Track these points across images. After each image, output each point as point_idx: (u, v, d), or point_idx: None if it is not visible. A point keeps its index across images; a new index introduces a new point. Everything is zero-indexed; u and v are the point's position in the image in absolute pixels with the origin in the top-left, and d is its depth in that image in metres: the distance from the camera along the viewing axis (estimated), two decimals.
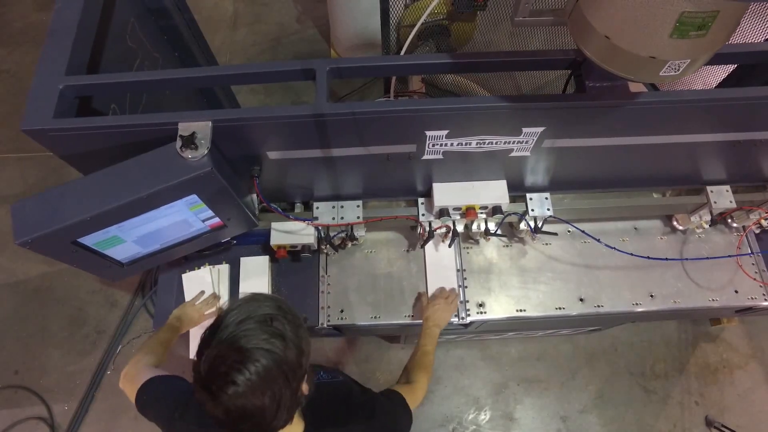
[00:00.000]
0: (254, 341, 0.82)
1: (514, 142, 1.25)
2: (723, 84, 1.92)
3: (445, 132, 1.17)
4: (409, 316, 1.62)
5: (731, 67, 1.79)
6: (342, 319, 1.60)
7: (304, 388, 0.90)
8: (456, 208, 1.48)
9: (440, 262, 1.67)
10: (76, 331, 2.69)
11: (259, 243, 1.68)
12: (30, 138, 1.10)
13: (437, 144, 1.23)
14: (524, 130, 1.19)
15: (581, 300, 1.64)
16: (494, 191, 1.45)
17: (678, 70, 0.87)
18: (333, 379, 1.17)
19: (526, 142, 1.25)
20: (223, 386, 0.79)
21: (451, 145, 1.23)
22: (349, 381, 1.21)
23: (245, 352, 0.80)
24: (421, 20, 1.87)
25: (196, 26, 1.87)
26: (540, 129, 1.18)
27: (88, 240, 1.14)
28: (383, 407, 1.12)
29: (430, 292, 1.63)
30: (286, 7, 3.63)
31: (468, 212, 1.46)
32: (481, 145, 1.25)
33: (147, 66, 1.62)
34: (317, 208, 1.52)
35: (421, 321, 1.53)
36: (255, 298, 0.89)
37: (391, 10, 2.01)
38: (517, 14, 0.99)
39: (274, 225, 1.51)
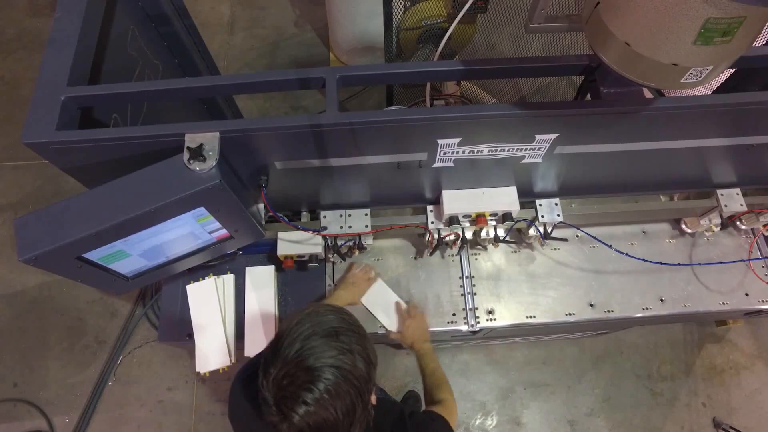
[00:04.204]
0: (322, 359, 0.80)
1: (526, 149, 1.23)
2: (720, 89, 1.91)
3: (457, 140, 1.15)
4: None
5: (729, 71, 1.78)
6: None
7: (372, 399, 0.89)
8: (466, 216, 1.46)
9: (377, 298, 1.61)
10: (75, 341, 2.64)
11: (265, 252, 1.65)
12: (32, 150, 1.07)
13: (449, 152, 1.21)
14: (537, 137, 1.17)
15: (591, 305, 1.62)
16: (505, 198, 1.43)
17: (700, 76, 0.85)
18: (382, 396, 1.16)
19: (539, 149, 1.23)
20: (294, 406, 0.78)
21: (463, 152, 1.21)
22: (395, 400, 1.20)
23: (314, 371, 0.79)
24: (448, 33, 1.83)
25: (196, 32, 1.84)
26: (553, 136, 1.17)
27: (93, 255, 1.11)
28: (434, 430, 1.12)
29: (378, 315, 1.58)
30: (283, 11, 3.60)
31: (478, 219, 1.44)
32: (493, 153, 1.23)
33: (147, 74, 1.59)
34: (324, 217, 1.50)
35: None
36: (316, 311, 0.87)
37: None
38: (532, 20, 0.97)
39: (281, 235, 1.49)
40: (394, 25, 2.14)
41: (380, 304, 1.59)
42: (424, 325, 1.50)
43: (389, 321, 1.56)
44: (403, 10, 2.18)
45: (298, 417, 0.78)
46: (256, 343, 1.53)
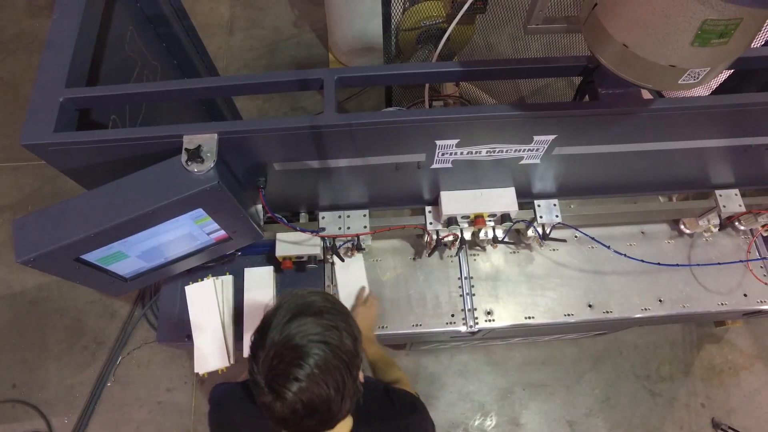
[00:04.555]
0: (309, 335, 0.81)
1: (524, 150, 1.23)
2: (719, 89, 1.91)
3: (455, 141, 1.15)
4: (416, 325, 1.59)
5: (727, 72, 1.78)
6: None
7: (360, 375, 0.90)
8: (464, 217, 1.46)
9: (349, 276, 1.64)
10: (74, 342, 2.64)
11: (263, 253, 1.65)
12: (30, 152, 1.07)
13: (447, 153, 1.21)
14: (535, 138, 1.17)
15: (590, 306, 1.62)
16: (503, 199, 1.44)
17: (697, 78, 0.85)
18: (366, 377, 1.18)
19: (537, 150, 1.23)
20: (286, 384, 0.78)
21: (461, 154, 1.21)
22: (376, 379, 1.22)
23: (302, 348, 0.80)
24: (447, 34, 1.80)
25: (195, 33, 1.84)
26: (551, 137, 1.17)
27: (91, 256, 1.11)
28: (419, 403, 1.15)
29: (340, 287, 1.62)
30: (282, 11, 3.61)
31: (476, 220, 1.44)
32: (491, 154, 1.23)
33: (146, 74, 1.59)
34: (323, 218, 1.49)
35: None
36: (299, 294, 0.89)
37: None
38: (530, 21, 0.97)
39: (280, 236, 1.49)
40: (393, 26, 2.13)
41: (348, 280, 1.61)
42: (372, 317, 1.51)
43: (347, 301, 1.58)
44: (402, 10, 2.18)
45: (291, 394, 0.78)
46: None
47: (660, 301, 1.63)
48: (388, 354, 1.43)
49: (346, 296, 1.60)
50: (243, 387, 1.11)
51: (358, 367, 0.87)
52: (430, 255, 1.66)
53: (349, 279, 1.63)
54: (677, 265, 1.63)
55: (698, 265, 1.66)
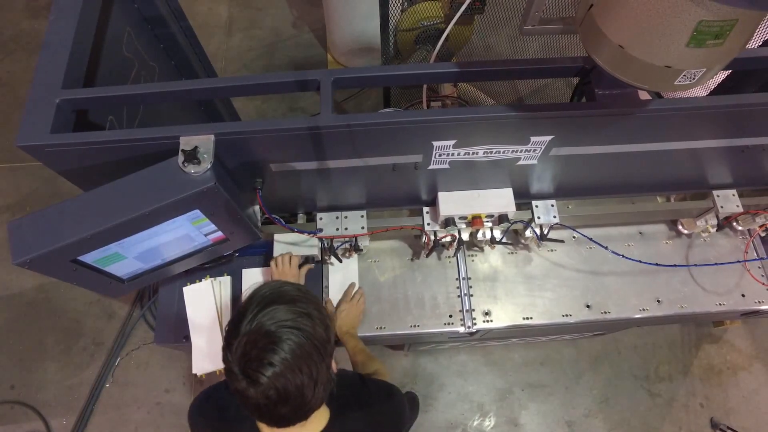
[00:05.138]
0: (282, 322, 0.82)
1: (521, 151, 1.23)
2: (717, 89, 1.91)
3: (452, 142, 1.15)
4: (414, 325, 1.59)
5: (725, 73, 1.79)
6: None
7: (333, 365, 0.91)
8: (462, 217, 1.45)
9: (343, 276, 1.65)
10: (73, 343, 2.64)
11: (261, 254, 1.65)
12: (27, 153, 1.07)
13: (444, 154, 1.21)
14: (532, 139, 1.17)
15: (588, 306, 1.62)
16: (501, 200, 1.44)
17: (693, 78, 0.85)
18: (341, 370, 1.19)
19: (534, 151, 1.23)
20: (260, 369, 0.78)
21: (458, 154, 1.21)
22: (353, 371, 1.24)
23: (275, 334, 0.80)
24: (445, 34, 1.80)
25: (193, 34, 1.84)
26: (548, 138, 1.17)
27: (88, 258, 1.11)
28: (396, 389, 1.16)
29: (331, 284, 1.63)
30: (281, 12, 3.61)
31: (474, 221, 1.44)
32: (488, 155, 1.23)
33: (144, 76, 1.59)
34: (320, 219, 1.49)
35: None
36: (271, 284, 0.90)
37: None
38: (526, 23, 0.97)
39: (277, 237, 1.49)
40: (391, 27, 2.13)
41: (340, 277, 1.63)
42: (356, 313, 1.53)
43: (335, 296, 1.60)
44: (400, 11, 2.19)
45: (266, 378, 0.78)
46: None
47: (658, 301, 1.63)
48: (367, 350, 1.45)
49: (337, 295, 1.61)
50: (202, 403, 1.12)
51: (330, 355, 0.88)
52: (428, 256, 1.66)
53: (342, 278, 1.64)
54: (675, 265, 1.63)
55: (696, 265, 1.66)
